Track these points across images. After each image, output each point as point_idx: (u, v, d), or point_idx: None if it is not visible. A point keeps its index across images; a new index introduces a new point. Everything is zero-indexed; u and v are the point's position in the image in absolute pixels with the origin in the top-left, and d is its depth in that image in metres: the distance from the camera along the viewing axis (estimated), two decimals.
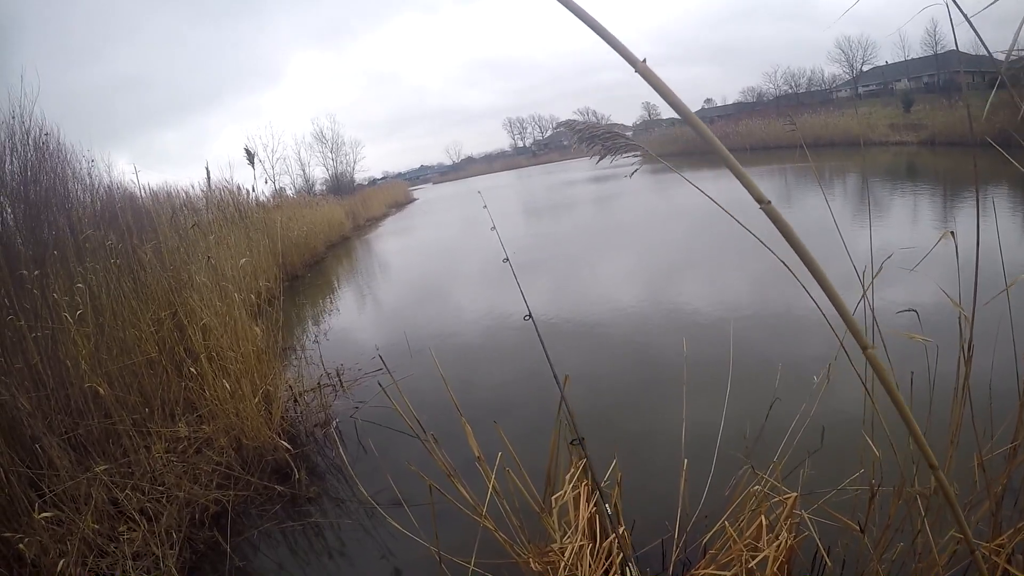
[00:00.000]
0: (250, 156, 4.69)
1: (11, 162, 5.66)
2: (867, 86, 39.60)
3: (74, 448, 3.63)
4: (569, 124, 1.58)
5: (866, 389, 1.96)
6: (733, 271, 7.79)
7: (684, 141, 33.20)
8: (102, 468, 3.38)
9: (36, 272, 4.26)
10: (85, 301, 4.20)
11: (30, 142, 5.92)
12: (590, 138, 1.49)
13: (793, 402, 2.89)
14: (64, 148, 6.75)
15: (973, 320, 1.74)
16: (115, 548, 3.12)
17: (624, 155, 1.54)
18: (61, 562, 2.78)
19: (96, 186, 7.34)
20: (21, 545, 2.77)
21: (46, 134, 6.11)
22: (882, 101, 31.16)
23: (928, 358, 1.87)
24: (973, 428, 1.82)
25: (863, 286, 1.92)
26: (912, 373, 1.87)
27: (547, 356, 2.32)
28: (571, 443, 2.17)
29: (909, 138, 19.68)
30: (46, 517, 2.89)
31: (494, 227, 3.59)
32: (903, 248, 1.79)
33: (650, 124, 51.62)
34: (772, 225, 1.08)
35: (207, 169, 4.77)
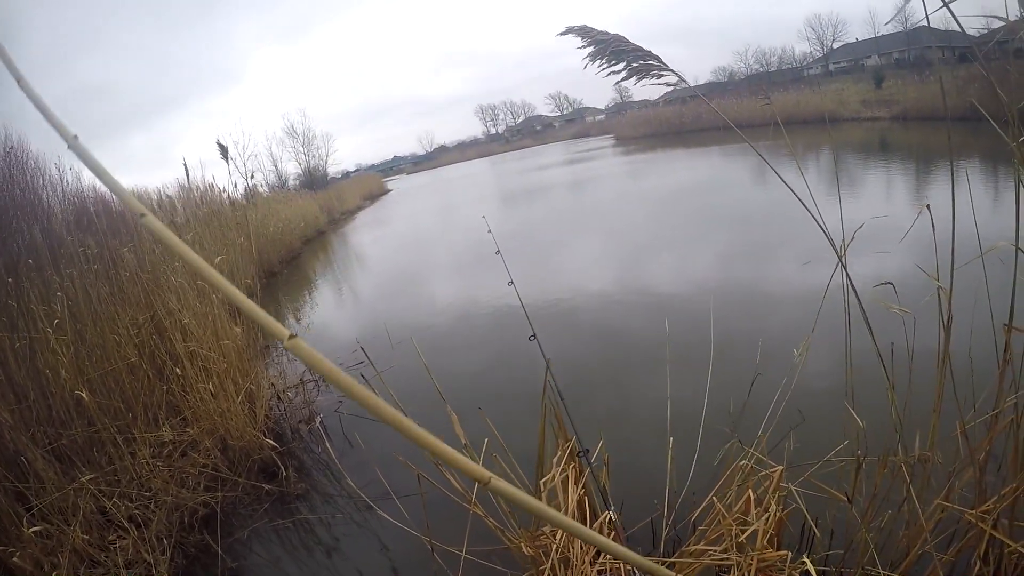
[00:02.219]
0: (223, 151, 4.62)
1: None
2: (838, 63, 39.86)
3: (59, 459, 3.59)
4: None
5: (848, 360, 2.00)
6: (707, 252, 7.86)
7: (657, 122, 33.37)
8: (88, 477, 3.35)
9: (10, 280, 4.18)
10: (63, 308, 4.14)
11: None
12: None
13: (775, 376, 2.94)
14: (30, 156, 6.62)
15: (952, 290, 1.77)
16: (106, 557, 3.10)
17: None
18: (53, 575, 2.77)
19: (67, 192, 7.20)
20: (14, 559, 2.74)
21: (10, 148, 5.99)
22: (853, 78, 31.38)
23: (907, 329, 1.90)
24: (955, 397, 1.85)
25: (839, 257, 1.95)
26: (892, 344, 1.91)
27: (536, 337, 2.31)
28: (529, 338, 2.16)
29: (881, 113, 19.90)
30: (36, 531, 2.86)
31: (483, 216, 3.60)
32: (875, 217, 1.80)
33: (622, 106, 51.57)
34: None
35: (185, 165, 4.65)
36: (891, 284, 1.91)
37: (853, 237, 1.89)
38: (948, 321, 1.82)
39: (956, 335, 1.82)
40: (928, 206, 1.78)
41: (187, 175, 4.83)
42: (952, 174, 1.80)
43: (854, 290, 1.94)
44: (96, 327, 4.42)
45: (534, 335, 2.56)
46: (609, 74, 1.62)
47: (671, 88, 1.66)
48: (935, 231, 1.75)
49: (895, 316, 1.84)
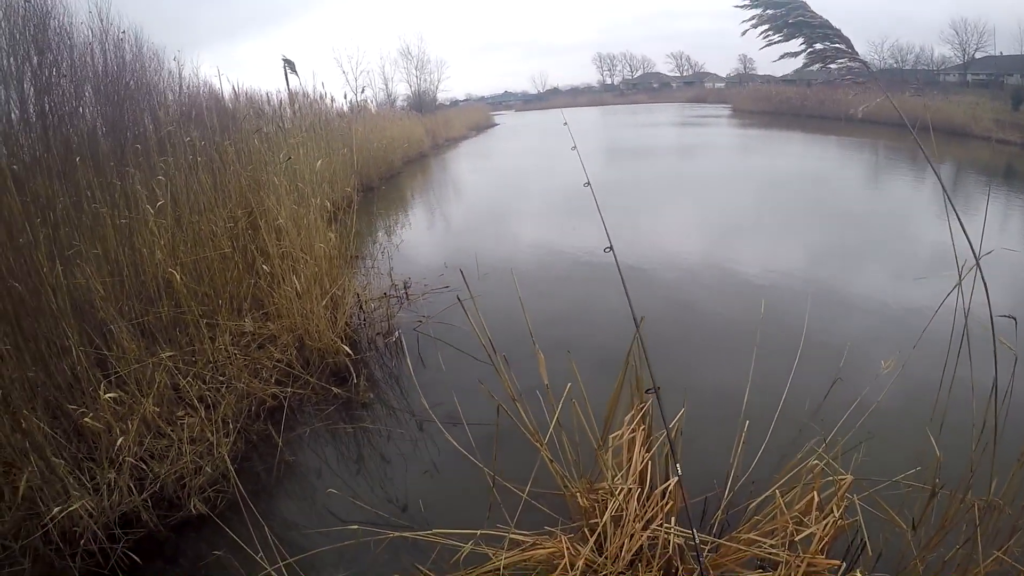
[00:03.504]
0: (291, 65, 4.67)
1: (96, 58, 5.77)
2: (977, 75, 36.66)
3: (143, 334, 3.77)
4: None
5: (940, 386, 1.90)
6: (810, 246, 7.54)
7: (777, 100, 31.88)
8: (167, 354, 3.50)
9: (112, 164, 4.38)
10: (166, 193, 4.30)
11: (107, 40, 6.03)
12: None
13: (857, 385, 2.83)
14: (146, 48, 6.88)
15: None
16: (172, 431, 3.26)
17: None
18: (120, 440, 2.92)
19: (181, 85, 7.49)
20: (86, 420, 2.90)
21: (123, 32, 6.21)
22: (991, 93, 28.85)
23: (1011, 369, 1.79)
24: None
25: (959, 277, 1.83)
26: (996, 379, 1.80)
27: (627, 292, 2.27)
28: (646, 391, 2.16)
29: (1013, 137, 18.28)
30: (111, 397, 3.01)
31: (574, 147, 3.56)
32: (1005, 248, 1.67)
33: (744, 78, 49.10)
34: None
35: (284, 64, 4.67)
36: (1013, 318, 1.77)
37: (978, 263, 1.76)
38: None
39: None
40: None
41: (286, 79, 4.86)
42: None
43: (966, 318, 1.83)
44: (194, 216, 4.59)
45: (611, 247, 2.47)
46: (782, 55, 1.49)
47: (847, 75, 1.52)
48: None
49: (1003, 353, 1.73)
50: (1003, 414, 1.81)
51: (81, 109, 5.30)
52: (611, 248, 2.50)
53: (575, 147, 3.23)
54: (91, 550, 2.63)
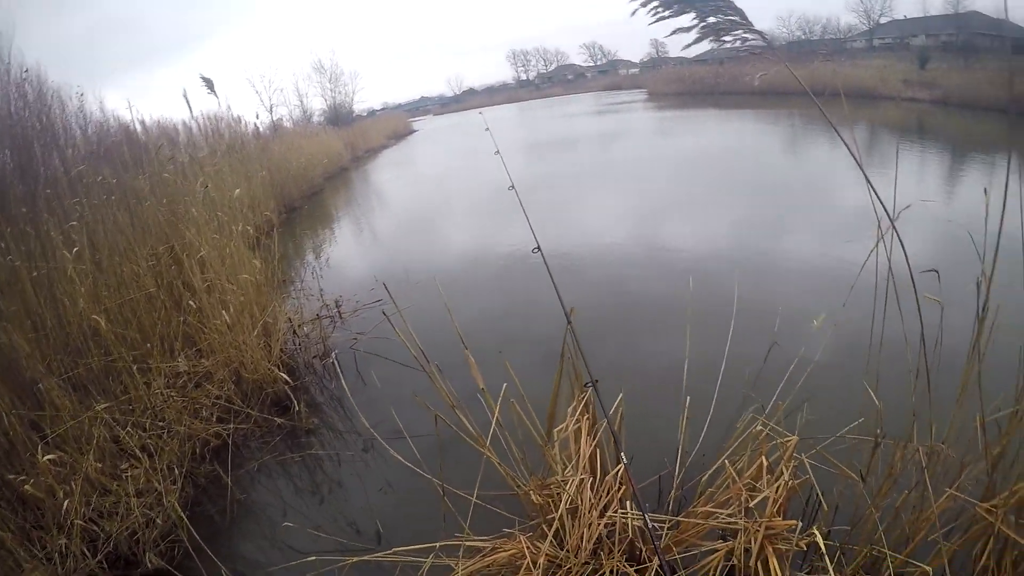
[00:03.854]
0: (210, 84, 4.59)
1: None
2: (883, 39, 38.36)
3: (75, 388, 3.62)
4: None
5: (872, 339, 1.94)
6: (734, 218, 7.72)
7: (691, 80, 32.66)
8: (103, 406, 3.38)
9: (25, 210, 4.18)
10: (81, 238, 4.14)
11: (10, 80, 5.75)
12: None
13: (793, 348, 2.89)
14: (49, 87, 6.59)
15: (991, 281, 1.71)
16: (118, 486, 3.14)
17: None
18: (66, 502, 2.80)
19: (87, 121, 7.19)
20: (27, 487, 2.78)
21: (26, 70, 5.94)
22: (897, 56, 30.22)
23: (940, 318, 1.85)
24: (979, 390, 1.81)
25: (880, 236, 1.87)
26: (922, 329, 1.85)
27: (555, 287, 2.26)
28: (584, 385, 2.14)
29: (922, 95, 19.22)
30: (51, 459, 2.88)
31: (497, 151, 3.54)
32: (923, 200, 1.72)
33: (657, 62, 50.04)
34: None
35: (185, 98, 4.60)
36: (935, 271, 1.81)
37: (898, 215, 1.81)
38: (984, 312, 1.78)
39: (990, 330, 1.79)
40: (985, 190, 1.70)
41: (189, 108, 4.78)
42: (1009, 163, 1.73)
43: (891, 272, 1.87)
44: (114, 257, 4.44)
45: (538, 247, 2.47)
46: (673, 30, 1.48)
47: (743, 48, 1.53)
48: (987, 218, 1.68)
49: (930, 305, 1.78)
50: (937, 361, 1.87)
51: None
52: (539, 248, 2.49)
53: (498, 151, 3.21)
54: None
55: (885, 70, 23.00)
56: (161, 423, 3.73)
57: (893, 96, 19.63)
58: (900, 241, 1.84)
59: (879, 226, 1.86)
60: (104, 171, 5.26)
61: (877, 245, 1.88)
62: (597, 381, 2.08)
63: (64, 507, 2.79)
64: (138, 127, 7.83)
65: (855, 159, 1.82)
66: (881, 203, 1.84)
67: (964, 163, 9.84)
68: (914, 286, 1.83)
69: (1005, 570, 1.77)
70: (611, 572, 2.11)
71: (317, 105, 36.26)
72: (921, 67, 24.10)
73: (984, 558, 1.84)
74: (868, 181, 1.84)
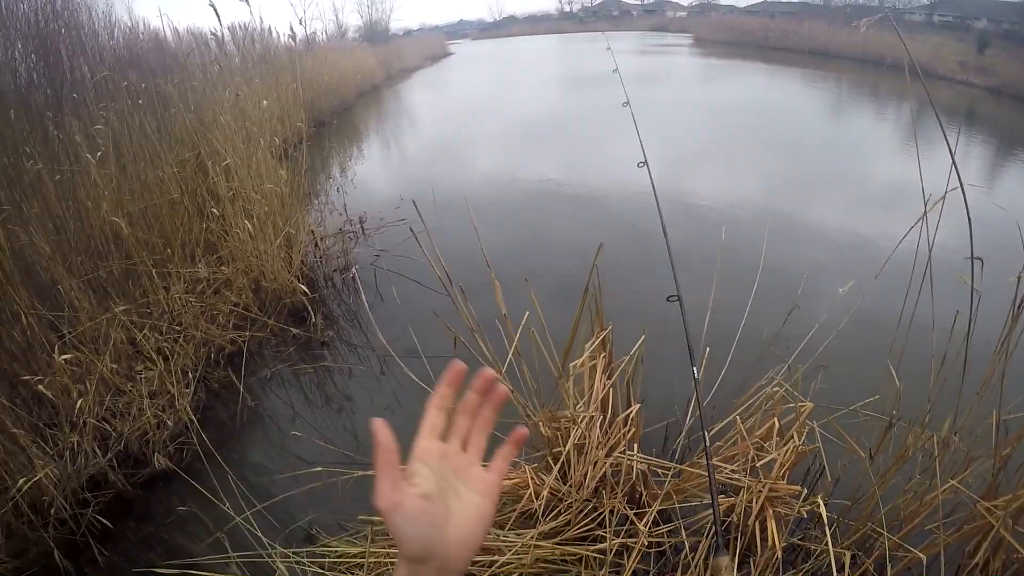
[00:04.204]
0: None
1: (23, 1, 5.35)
2: (943, 16, 36.70)
3: (94, 290, 3.63)
4: None
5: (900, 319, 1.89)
6: (774, 177, 7.58)
7: (740, 31, 31.58)
8: (121, 309, 3.39)
9: (50, 113, 4.14)
10: (107, 142, 4.09)
11: None
12: None
13: (816, 314, 2.84)
14: None
15: None
16: (132, 387, 3.18)
17: None
18: (79, 401, 2.83)
19: (115, 27, 7.02)
20: (41, 387, 2.80)
21: None
22: (956, 35, 28.93)
23: (973, 308, 1.77)
24: (1001, 386, 1.77)
25: (924, 213, 1.80)
26: (957, 313, 1.79)
27: (660, 213, 2.17)
28: (668, 298, 2.11)
29: (976, 80, 18.47)
30: (67, 359, 2.89)
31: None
32: (970, 185, 1.63)
33: (707, 7, 47.94)
34: None
35: (213, 6, 4.47)
36: (980, 260, 1.71)
37: (944, 197, 1.72)
38: (1019, 309, 1.73)
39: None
40: None
41: (217, 16, 4.65)
42: None
43: (930, 255, 1.80)
44: (139, 162, 4.40)
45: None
46: None
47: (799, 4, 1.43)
48: None
49: (966, 294, 1.72)
50: (964, 351, 1.80)
51: (14, 59, 4.96)
52: (645, 163, 2.39)
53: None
54: (63, 518, 2.57)
55: (943, 48, 22.05)
56: (178, 327, 3.77)
57: (947, 76, 18.85)
58: (928, 235, 1.77)
59: (925, 204, 1.78)
60: (132, 77, 5.17)
61: (919, 222, 1.81)
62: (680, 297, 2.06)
63: (78, 406, 2.82)
64: (168, 34, 7.74)
65: (945, 139, 1.71)
66: (921, 179, 1.76)
67: (1012, 155, 9.51)
68: (973, 266, 1.74)
69: (996, 569, 1.79)
70: (610, 512, 2.14)
71: (353, 21, 35.34)
72: (979, 51, 23.07)
73: (976, 555, 1.85)
74: (918, 155, 1.76)
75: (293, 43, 6.59)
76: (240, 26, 7.91)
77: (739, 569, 2.00)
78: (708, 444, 1.80)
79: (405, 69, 25.11)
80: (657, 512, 2.16)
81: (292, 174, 4.77)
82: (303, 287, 4.20)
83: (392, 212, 5.62)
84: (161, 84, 5.27)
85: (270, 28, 8.16)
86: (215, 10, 4.72)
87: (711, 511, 2.10)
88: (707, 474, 2.19)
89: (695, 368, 1.93)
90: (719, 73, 20.88)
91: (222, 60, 5.83)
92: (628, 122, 2.96)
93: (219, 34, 5.68)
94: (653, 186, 2.42)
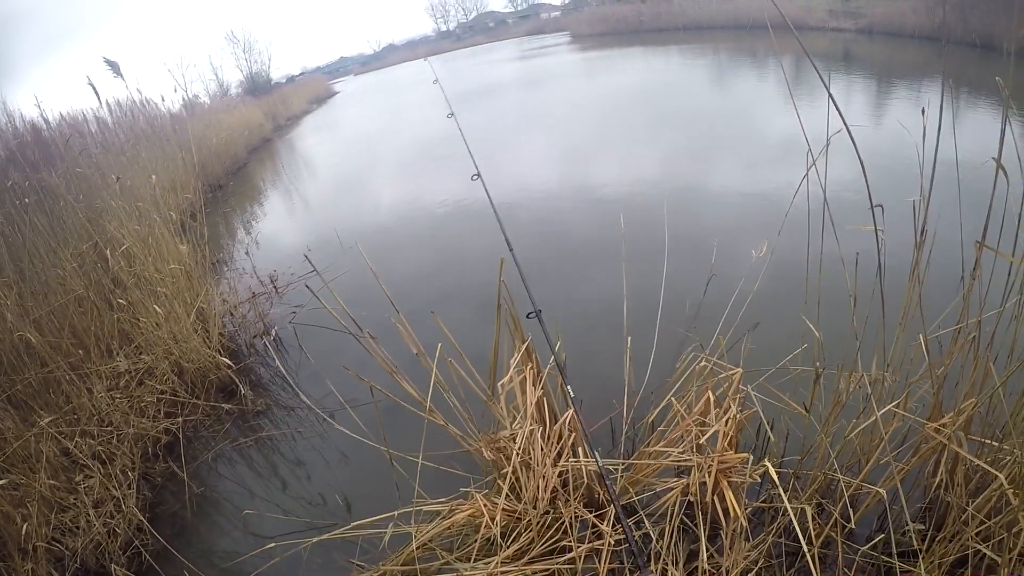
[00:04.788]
0: (115, 67, 4.33)
1: None
2: None
3: (15, 407, 3.45)
4: None
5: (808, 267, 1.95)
6: (664, 152, 7.77)
7: (614, 20, 32.48)
8: (47, 420, 3.21)
9: None
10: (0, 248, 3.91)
11: None
12: None
13: (731, 280, 2.91)
14: None
15: (928, 205, 1.72)
16: (75, 500, 3.04)
17: None
18: (25, 526, 2.69)
19: None
20: None
21: None
22: None
23: (876, 245, 1.83)
24: (920, 312, 1.84)
25: (812, 162, 1.87)
26: (857, 254, 1.86)
27: (502, 227, 2.20)
28: (528, 316, 2.11)
29: (847, 25, 19.52)
30: (2, 484, 2.75)
31: (436, 80, 3.43)
32: (854, 125, 1.70)
33: (579, 3, 49.11)
34: None
35: (91, 84, 4.31)
36: (881, 206, 1.76)
37: (829, 142, 1.79)
38: (922, 235, 1.78)
39: (927, 253, 1.81)
40: (924, 110, 1.68)
41: (96, 95, 4.49)
42: (943, 89, 1.73)
43: (826, 204, 1.87)
44: (36, 263, 4.23)
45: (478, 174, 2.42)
46: None
47: None
48: (924, 142, 1.66)
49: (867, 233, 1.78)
50: (877, 287, 1.87)
51: None
52: (478, 175, 2.41)
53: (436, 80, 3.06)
54: None
55: (811, 1, 23.25)
56: (109, 428, 3.61)
57: (819, 27, 19.88)
58: (820, 182, 1.84)
59: (809, 152, 1.85)
60: (14, 175, 4.93)
61: (808, 172, 1.87)
62: (540, 311, 2.05)
63: (24, 532, 2.68)
64: (45, 123, 7.40)
65: (823, 81, 1.78)
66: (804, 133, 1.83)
67: (890, 89, 10.08)
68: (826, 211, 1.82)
69: (959, 483, 1.82)
70: (571, 519, 2.13)
71: (234, 77, 34.65)
72: None
73: (937, 475, 1.90)
74: (795, 104, 1.82)
75: (172, 110, 6.42)
76: (119, 103, 7.67)
77: (712, 542, 2.04)
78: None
79: (292, 116, 24.86)
80: (621, 508, 2.16)
81: (195, 246, 4.65)
82: (226, 360, 4.08)
83: (302, 265, 5.56)
84: (45, 178, 5.04)
85: (147, 99, 7.94)
86: (94, 89, 4.54)
87: (670, 495, 2.14)
88: (658, 461, 2.24)
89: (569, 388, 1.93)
90: (599, 65, 21.33)
91: (103, 142, 5.62)
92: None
93: (99, 114, 5.49)
94: (490, 197, 2.43)
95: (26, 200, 4.60)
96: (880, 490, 1.81)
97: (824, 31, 19.46)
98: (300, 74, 49.44)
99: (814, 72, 1.67)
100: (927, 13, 13.56)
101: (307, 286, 2.05)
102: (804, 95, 8.77)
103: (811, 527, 1.75)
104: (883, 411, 1.87)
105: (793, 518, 1.72)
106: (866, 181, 1.67)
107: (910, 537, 1.85)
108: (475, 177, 2.43)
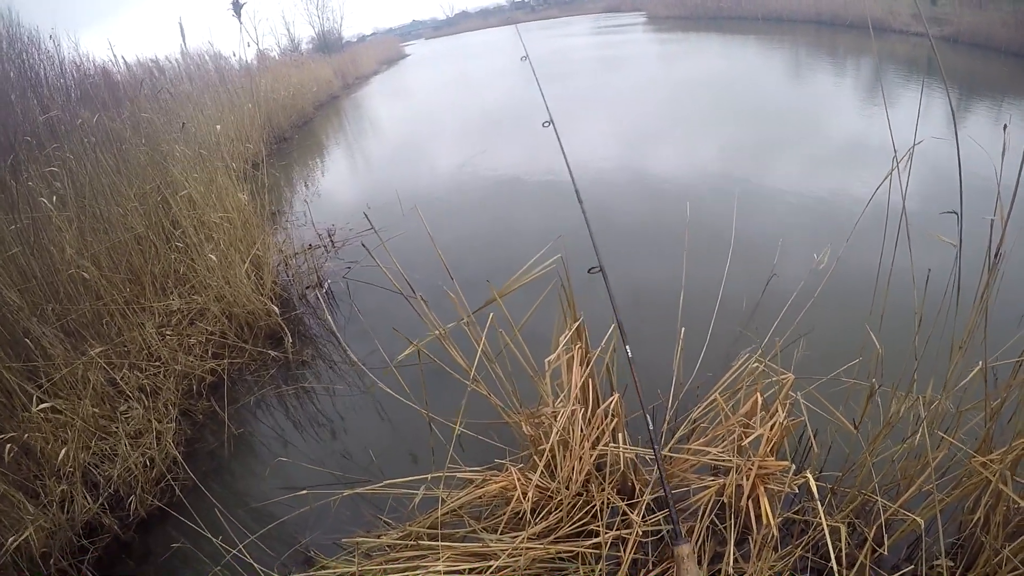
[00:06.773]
0: (237, 7, 4.36)
1: None
2: None
3: (68, 335, 3.57)
4: None
5: (878, 279, 1.86)
6: (739, 147, 7.49)
7: (692, 4, 31.48)
8: (98, 351, 3.33)
9: (5, 163, 4.06)
10: (65, 184, 4.04)
11: None
12: None
13: (792, 282, 2.81)
14: (22, 31, 6.29)
15: (1006, 227, 1.61)
16: (116, 428, 3.13)
17: None
18: (63, 450, 2.77)
19: (63, 65, 6.88)
20: (10, 445, 2.71)
21: None
22: None
23: (950, 262, 1.76)
24: (985, 337, 1.74)
25: (896, 169, 1.78)
26: (929, 271, 1.77)
27: (572, 176, 2.15)
28: (589, 271, 2.07)
29: (932, 30, 18.63)
30: (44, 408, 2.82)
31: (525, 56, 3.40)
32: (935, 137, 1.60)
33: None
34: None
35: (180, 27, 4.39)
36: (955, 213, 1.68)
37: (911, 151, 1.70)
38: (996, 258, 1.67)
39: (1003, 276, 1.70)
40: (1005, 127, 1.57)
41: (183, 37, 4.58)
42: None
43: (904, 211, 1.77)
44: (100, 200, 4.34)
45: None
46: None
47: None
48: (1004, 160, 1.55)
49: (944, 248, 1.69)
50: (945, 307, 1.79)
51: None
52: (551, 122, 2.35)
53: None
54: (62, 567, 2.55)
55: (896, 3, 22.21)
56: (157, 363, 3.72)
57: (902, 30, 18.99)
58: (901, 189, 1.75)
59: (894, 159, 1.76)
60: (83, 114, 5.06)
61: (886, 179, 1.78)
62: (603, 268, 2.01)
63: (61, 456, 2.77)
64: (119, 67, 7.60)
65: (882, 88, 1.69)
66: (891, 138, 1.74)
67: (972, 103, 9.58)
68: (961, 215, 1.71)
69: (997, 523, 1.73)
70: (602, 504, 2.12)
71: (306, 33, 34.85)
72: (933, 2, 23.29)
73: (976, 511, 1.81)
74: (886, 111, 1.73)
75: (245, 62, 6.52)
76: (192, 51, 7.85)
77: (738, 547, 2.00)
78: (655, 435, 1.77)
79: (361, 76, 24.81)
80: (651, 499, 2.14)
81: (255, 195, 4.73)
82: (276, 308, 4.16)
83: (361, 222, 5.51)
84: (113, 118, 5.17)
85: (218, 52, 8.10)
86: (182, 32, 4.63)
87: (704, 493, 2.10)
88: (696, 458, 2.20)
89: (627, 347, 1.89)
90: (675, 48, 20.81)
91: (172, 89, 5.74)
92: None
93: (173, 61, 5.61)
94: (561, 146, 2.36)
95: (93, 139, 4.73)
96: (918, 519, 1.75)
97: (907, 35, 18.59)
98: (372, 34, 49.44)
99: (892, 76, 1.57)
100: (1017, 27, 12.82)
101: (363, 244, 2.05)
102: (878, 100, 8.38)
103: (843, 547, 1.69)
104: (933, 437, 1.79)
105: (828, 535, 1.66)
106: (960, 195, 1.57)
107: (938, 573, 1.78)
108: (547, 124, 2.38)
